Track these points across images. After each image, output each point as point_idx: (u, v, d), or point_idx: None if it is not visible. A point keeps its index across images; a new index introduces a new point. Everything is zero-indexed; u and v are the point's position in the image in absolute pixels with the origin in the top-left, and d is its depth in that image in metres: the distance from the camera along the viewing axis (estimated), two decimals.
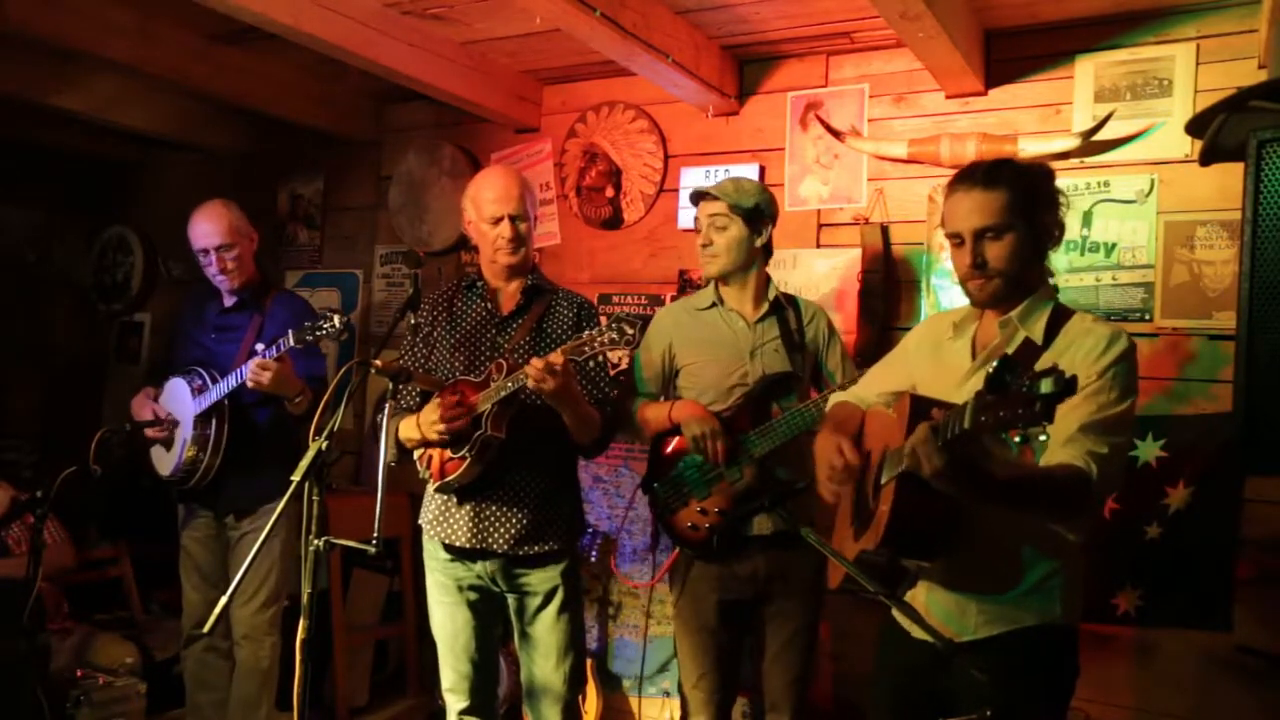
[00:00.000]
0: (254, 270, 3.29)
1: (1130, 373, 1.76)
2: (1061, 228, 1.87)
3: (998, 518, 1.78)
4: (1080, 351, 1.76)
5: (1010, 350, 1.84)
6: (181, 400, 3.14)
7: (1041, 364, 1.74)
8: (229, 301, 3.26)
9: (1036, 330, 1.83)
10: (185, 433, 3.11)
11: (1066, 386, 1.33)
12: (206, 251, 3.16)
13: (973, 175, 1.86)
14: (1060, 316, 1.84)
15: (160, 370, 3.32)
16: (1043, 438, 1.37)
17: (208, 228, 3.16)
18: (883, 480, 1.82)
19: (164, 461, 3.20)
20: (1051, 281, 1.93)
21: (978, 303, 1.91)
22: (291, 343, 2.81)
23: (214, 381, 3.08)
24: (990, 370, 1.40)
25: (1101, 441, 1.69)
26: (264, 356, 2.89)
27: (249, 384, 2.89)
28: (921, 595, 1.91)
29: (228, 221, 3.17)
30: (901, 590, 1.93)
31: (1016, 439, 1.39)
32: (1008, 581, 1.82)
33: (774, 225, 2.72)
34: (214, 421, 3.09)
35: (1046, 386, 1.34)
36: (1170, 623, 2.91)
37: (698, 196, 2.71)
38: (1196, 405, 2.91)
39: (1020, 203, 1.82)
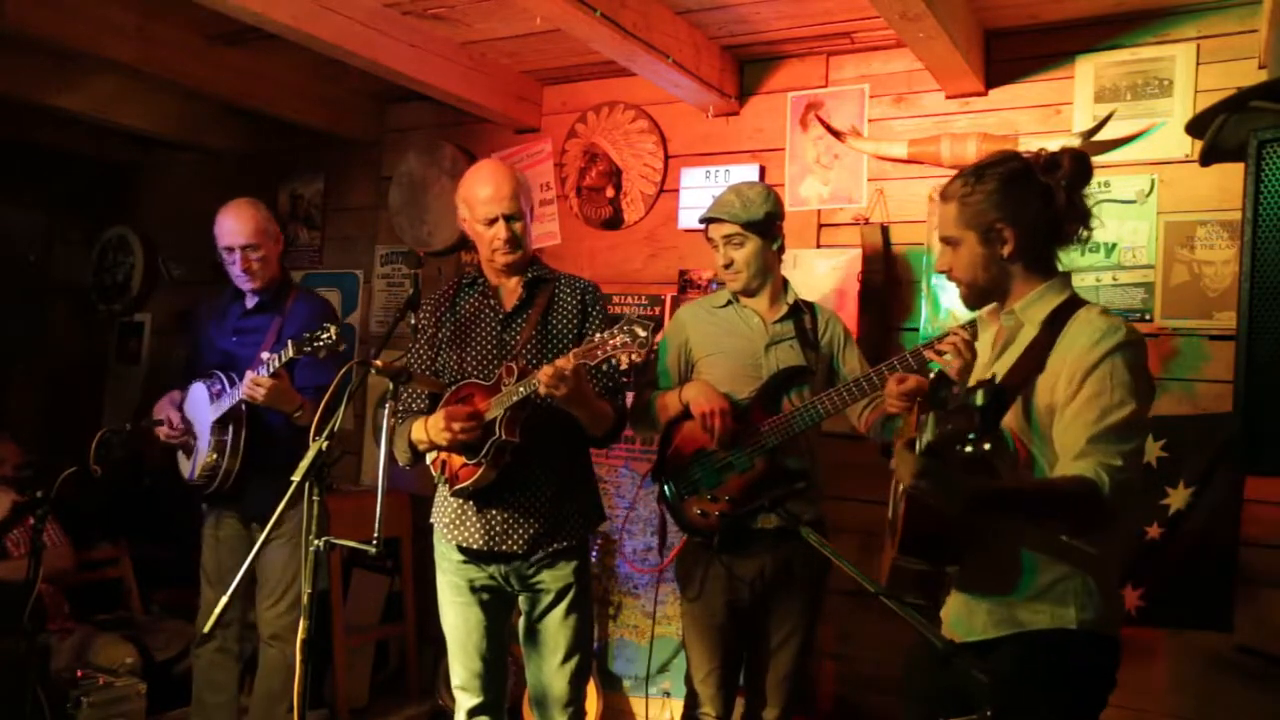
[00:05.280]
0: (278, 271, 3.24)
1: (1132, 369, 1.68)
2: (1068, 215, 1.79)
3: (1007, 521, 1.78)
4: (1076, 345, 1.72)
5: (1022, 344, 1.81)
6: (201, 405, 3.12)
7: (1051, 362, 1.74)
8: (250, 303, 3.21)
9: (1037, 322, 1.80)
10: (204, 438, 3.08)
11: (995, 397, 1.38)
12: (231, 249, 3.11)
13: (945, 187, 1.89)
14: (1070, 309, 1.79)
15: (188, 373, 3.27)
16: (987, 446, 1.39)
17: (234, 226, 3.11)
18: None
19: (186, 466, 3.19)
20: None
21: (966, 305, 1.95)
22: (290, 354, 2.78)
23: (232, 385, 3.04)
24: (928, 387, 1.47)
25: (1113, 452, 1.63)
26: (267, 366, 2.86)
27: (244, 396, 2.87)
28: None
29: (255, 222, 3.13)
30: (942, 598, 1.92)
31: (986, 447, 1.39)
32: (1016, 583, 1.78)
33: (783, 220, 2.76)
34: (231, 426, 3.05)
35: (979, 399, 1.39)
36: (1170, 623, 2.91)
37: (706, 221, 2.72)
38: (1196, 405, 2.91)
39: (969, 214, 1.82)
